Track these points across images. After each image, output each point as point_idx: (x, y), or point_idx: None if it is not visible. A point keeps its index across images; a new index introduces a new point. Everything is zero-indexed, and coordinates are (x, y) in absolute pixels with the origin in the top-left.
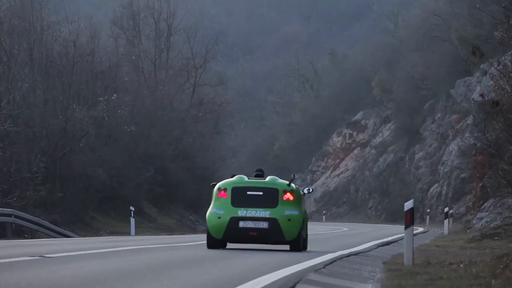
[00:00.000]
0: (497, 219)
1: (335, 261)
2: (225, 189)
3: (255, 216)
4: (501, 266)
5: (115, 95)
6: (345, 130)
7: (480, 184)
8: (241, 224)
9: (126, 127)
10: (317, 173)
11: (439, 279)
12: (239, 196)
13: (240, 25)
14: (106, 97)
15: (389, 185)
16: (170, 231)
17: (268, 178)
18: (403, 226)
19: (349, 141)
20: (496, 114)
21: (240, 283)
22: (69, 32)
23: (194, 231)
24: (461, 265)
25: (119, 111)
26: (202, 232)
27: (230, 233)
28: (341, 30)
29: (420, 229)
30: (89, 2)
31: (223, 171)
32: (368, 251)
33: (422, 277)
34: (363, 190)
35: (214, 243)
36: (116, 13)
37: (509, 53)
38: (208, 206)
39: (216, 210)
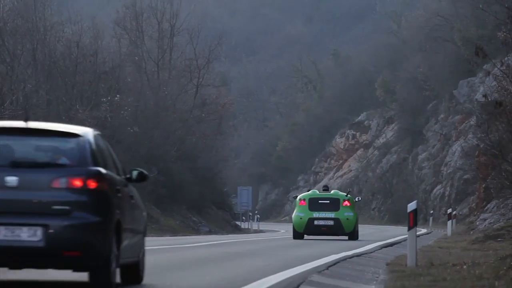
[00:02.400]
0: (501, 220)
1: (338, 262)
2: (304, 199)
3: (324, 217)
4: (505, 268)
5: (118, 95)
6: (348, 131)
7: (483, 185)
8: (316, 222)
9: (129, 128)
10: (320, 174)
11: (442, 280)
12: (314, 204)
13: (243, 26)
14: (109, 98)
15: (392, 186)
16: (173, 232)
17: (332, 191)
18: (406, 227)
19: (352, 142)
20: (499, 114)
21: (243, 284)
22: (72, 33)
23: (197, 232)
24: (464, 267)
25: (122, 112)
26: (205, 233)
27: (308, 228)
28: (344, 30)
29: (423, 230)
30: (92, 2)
31: (226, 172)
32: (371, 252)
33: (425, 279)
34: (366, 191)
35: (297, 235)
36: (119, 13)
37: None
38: (211, 207)
39: (299, 213)
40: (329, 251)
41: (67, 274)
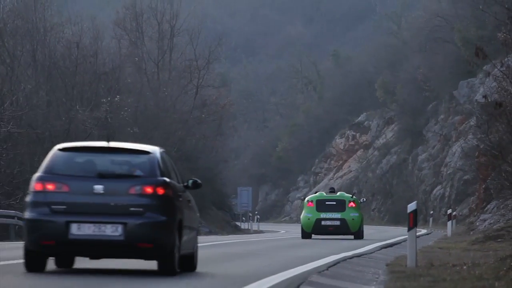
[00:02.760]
0: (501, 220)
1: (338, 263)
2: (312, 201)
3: (331, 217)
4: (505, 268)
5: (118, 96)
6: (348, 132)
7: (483, 186)
8: (323, 222)
9: (129, 129)
10: (320, 174)
11: (442, 281)
12: (321, 205)
13: (243, 27)
14: (109, 99)
15: (392, 186)
16: None
17: (338, 193)
18: (406, 228)
19: (352, 142)
20: (499, 115)
21: (244, 285)
22: (72, 34)
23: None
24: (464, 267)
25: (122, 113)
26: (205, 234)
27: (316, 228)
28: (344, 31)
29: (423, 231)
30: (92, 3)
31: (226, 173)
32: (371, 253)
33: (425, 279)
34: (366, 192)
35: (306, 235)
36: (119, 14)
37: None
38: (211, 208)
39: (307, 214)
40: (329, 252)
41: (139, 263)
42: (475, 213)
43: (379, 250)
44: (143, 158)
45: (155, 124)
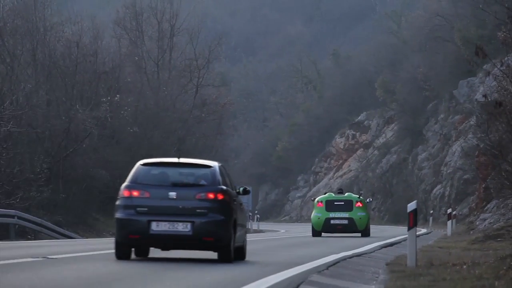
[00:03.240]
0: (500, 220)
1: (338, 262)
2: (321, 201)
3: (339, 216)
4: (504, 268)
5: (118, 95)
6: (348, 131)
7: (483, 185)
8: (332, 221)
9: (129, 128)
10: (320, 174)
11: (442, 280)
12: (330, 205)
13: (243, 26)
14: (109, 98)
15: (392, 186)
16: None
17: (346, 194)
18: (406, 227)
19: (352, 142)
20: (499, 115)
21: (243, 285)
22: (72, 33)
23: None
24: (464, 267)
25: (122, 112)
26: None
27: (325, 227)
28: (344, 31)
29: (423, 230)
30: (92, 2)
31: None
32: (371, 252)
33: (425, 278)
34: (366, 191)
35: (316, 233)
36: (119, 13)
37: None
38: None
39: (317, 214)
40: (329, 251)
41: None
42: (475, 213)
43: (379, 249)
44: (206, 171)
45: (155, 124)
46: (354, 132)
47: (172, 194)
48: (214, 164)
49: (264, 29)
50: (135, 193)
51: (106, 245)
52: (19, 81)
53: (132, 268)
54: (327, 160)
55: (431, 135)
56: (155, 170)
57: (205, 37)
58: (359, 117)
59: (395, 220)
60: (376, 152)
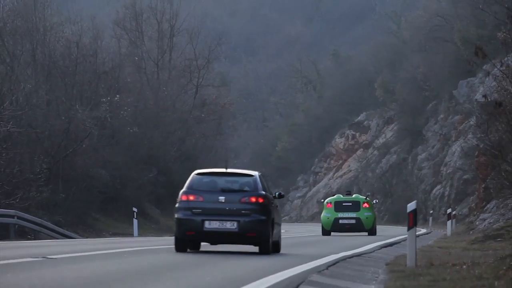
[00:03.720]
0: (500, 220)
1: (337, 262)
2: (330, 202)
3: (347, 216)
4: (504, 268)
5: (117, 96)
6: (348, 131)
7: (483, 185)
8: (340, 221)
9: (128, 128)
10: (319, 174)
11: (442, 280)
12: (338, 206)
13: (243, 26)
14: (109, 98)
15: (392, 186)
16: (172, 232)
17: (353, 195)
18: (406, 227)
19: (352, 142)
20: (499, 115)
21: (243, 285)
22: (72, 33)
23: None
24: (464, 267)
25: (121, 112)
26: None
27: (334, 226)
28: (344, 31)
29: (423, 230)
30: (91, 3)
31: None
32: (371, 252)
33: (425, 278)
34: (366, 191)
35: (325, 232)
36: (118, 14)
37: None
38: None
39: (326, 214)
40: (328, 251)
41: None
42: (475, 213)
43: (378, 249)
44: (249, 179)
45: (155, 124)
46: (354, 132)
47: (221, 198)
48: (255, 173)
49: (264, 29)
50: (191, 198)
51: (106, 245)
52: (19, 81)
53: (132, 268)
54: (327, 160)
55: (430, 135)
56: (207, 179)
57: (205, 37)
58: (359, 117)
59: (394, 220)
60: (375, 152)
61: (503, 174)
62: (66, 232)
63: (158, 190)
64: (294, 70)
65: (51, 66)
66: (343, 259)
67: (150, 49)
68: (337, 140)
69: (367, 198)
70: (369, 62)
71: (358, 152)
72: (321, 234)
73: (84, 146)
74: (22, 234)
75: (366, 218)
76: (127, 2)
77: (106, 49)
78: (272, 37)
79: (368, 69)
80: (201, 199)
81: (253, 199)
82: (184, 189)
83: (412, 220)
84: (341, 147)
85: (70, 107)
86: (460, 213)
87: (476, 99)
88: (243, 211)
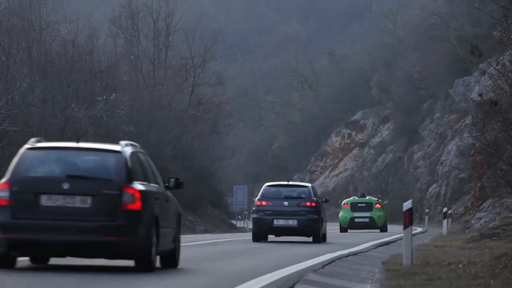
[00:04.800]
0: (496, 219)
1: (334, 261)
2: (347, 204)
3: (362, 216)
4: (500, 266)
5: (113, 94)
6: (344, 130)
7: (478, 184)
8: (356, 220)
9: (124, 127)
10: (315, 173)
11: (438, 279)
12: (354, 207)
13: (239, 25)
14: (104, 97)
15: (388, 185)
16: None
17: (367, 197)
18: (402, 226)
19: (348, 141)
20: (494, 114)
21: (239, 283)
22: (67, 32)
23: (193, 231)
24: (460, 265)
25: (117, 111)
26: (201, 232)
27: (351, 224)
28: (340, 29)
29: (419, 229)
30: (87, 1)
31: (222, 171)
32: (367, 251)
33: (421, 277)
34: (362, 190)
35: (343, 229)
36: (114, 12)
37: (508, 52)
38: (207, 206)
39: (344, 214)
40: (325, 250)
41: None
42: (471, 212)
43: (374, 248)
44: (304, 189)
45: (151, 123)
46: (350, 131)
47: (285, 203)
48: (309, 185)
49: (260, 28)
50: (264, 203)
51: None
52: (14, 80)
53: (128, 267)
54: (323, 159)
55: (426, 134)
56: (273, 189)
57: (201, 36)
58: (355, 116)
59: (390, 219)
60: (371, 151)
61: (499, 173)
62: None
63: None
64: (290, 68)
65: (47, 64)
66: (339, 258)
67: (146, 48)
68: (333, 139)
69: (379, 200)
70: (365, 61)
71: (354, 151)
72: (338, 231)
73: None
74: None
75: (378, 217)
76: (123, 1)
77: (102, 47)
78: (268, 35)
79: (364, 68)
80: (270, 204)
81: (308, 204)
82: (258, 197)
83: (408, 219)
84: (337, 146)
85: (66, 106)
86: (456, 212)
87: (472, 98)
88: (301, 212)
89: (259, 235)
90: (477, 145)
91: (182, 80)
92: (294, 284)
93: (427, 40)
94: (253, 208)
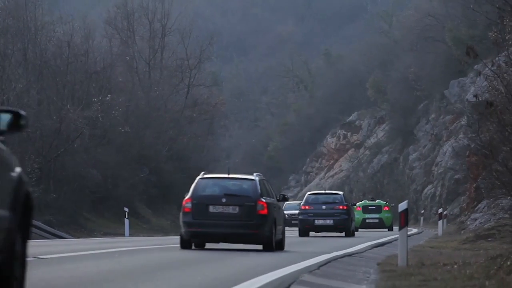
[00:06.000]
0: (491, 220)
1: (329, 262)
2: (360, 206)
3: (372, 217)
4: (495, 267)
5: (109, 95)
6: (340, 131)
7: (474, 185)
8: (367, 220)
9: (120, 128)
10: (311, 174)
11: (433, 280)
12: (365, 209)
13: (235, 26)
14: (100, 98)
15: (383, 186)
16: (164, 232)
17: (376, 201)
18: (397, 227)
19: (343, 142)
20: (490, 115)
21: (234, 284)
22: (63, 33)
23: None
24: (455, 266)
25: (113, 112)
26: None
27: (362, 224)
28: (336, 30)
29: (414, 230)
30: (83, 2)
31: (218, 172)
32: (363, 252)
33: (416, 278)
34: (357, 191)
35: (355, 229)
36: (110, 13)
37: (503, 53)
38: None
39: (356, 215)
40: (320, 251)
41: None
42: (466, 213)
43: (370, 249)
44: (337, 196)
45: (147, 124)
46: (345, 132)
47: (323, 207)
48: (341, 192)
49: (255, 29)
50: (307, 207)
51: (97, 244)
52: (9, 81)
53: (124, 268)
54: (318, 160)
55: (422, 135)
56: (314, 196)
57: (196, 37)
58: (351, 117)
59: None
60: (367, 152)
61: (494, 174)
62: (57, 232)
63: (150, 190)
64: (285, 69)
65: (42, 65)
66: (335, 258)
67: (142, 49)
68: (328, 140)
69: (387, 203)
70: (361, 61)
71: (350, 152)
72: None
73: (75, 146)
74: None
75: (386, 218)
76: (118, 2)
77: (98, 48)
78: (264, 36)
79: (360, 69)
80: (312, 207)
81: (341, 207)
82: (302, 203)
83: (404, 220)
84: (333, 147)
85: (62, 107)
86: (451, 213)
87: (467, 99)
88: (335, 214)
89: (304, 232)
90: (472, 146)
91: (178, 81)
92: (289, 285)
93: (423, 41)
94: (299, 211)
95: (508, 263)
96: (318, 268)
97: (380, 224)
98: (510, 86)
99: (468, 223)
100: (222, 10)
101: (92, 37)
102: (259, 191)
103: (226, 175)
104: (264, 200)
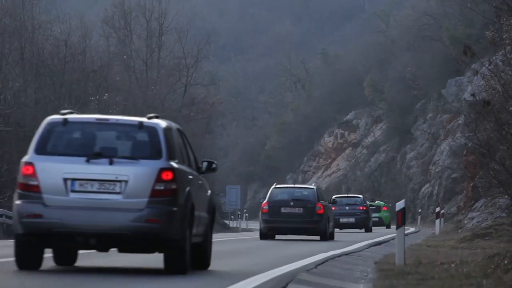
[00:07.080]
0: (488, 219)
1: (327, 261)
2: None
3: (373, 216)
4: (492, 266)
5: (106, 94)
6: (337, 130)
7: (471, 184)
8: None
9: None
10: (308, 173)
11: (431, 279)
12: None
13: (232, 25)
14: (97, 97)
15: (381, 185)
16: None
17: (376, 202)
18: (395, 226)
19: (341, 141)
20: (487, 114)
21: (232, 283)
22: (60, 32)
23: None
24: (452, 265)
25: (110, 111)
26: None
27: None
28: (333, 30)
29: (412, 229)
30: (80, 1)
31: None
32: (360, 251)
33: (413, 277)
34: (355, 190)
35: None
36: (107, 12)
37: (500, 52)
38: None
39: None
40: (317, 250)
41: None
42: (463, 211)
43: (367, 248)
44: (358, 198)
45: None
46: (342, 131)
47: (347, 207)
48: (361, 196)
49: (252, 28)
50: (334, 208)
51: None
52: (7, 80)
53: (120, 267)
54: (316, 159)
55: (419, 134)
56: (339, 199)
57: (193, 36)
58: (348, 116)
59: None
60: (364, 151)
61: (491, 173)
62: None
63: None
64: (283, 69)
65: (39, 64)
66: (332, 257)
67: (139, 48)
68: (326, 139)
69: (386, 203)
70: (358, 61)
71: (347, 151)
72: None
73: None
74: (10, 233)
75: (385, 217)
76: (115, 1)
77: (95, 47)
78: (261, 36)
79: (357, 68)
80: (337, 208)
81: (361, 208)
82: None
83: (401, 219)
84: (330, 146)
85: (59, 106)
86: (448, 211)
87: (464, 98)
88: (357, 213)
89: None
90: (469, 145)
91: (175, 80)
92: (287, 284)
93: (420, 40)
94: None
95: (505, 262)
96: (316, 267)
97: (379, 222)
98: (507, 85)
99: (466, 222)
100: (219, 9)
101: (89, 36)
102: (317, 196)
103: (292, 185)
104: (320, 203)
